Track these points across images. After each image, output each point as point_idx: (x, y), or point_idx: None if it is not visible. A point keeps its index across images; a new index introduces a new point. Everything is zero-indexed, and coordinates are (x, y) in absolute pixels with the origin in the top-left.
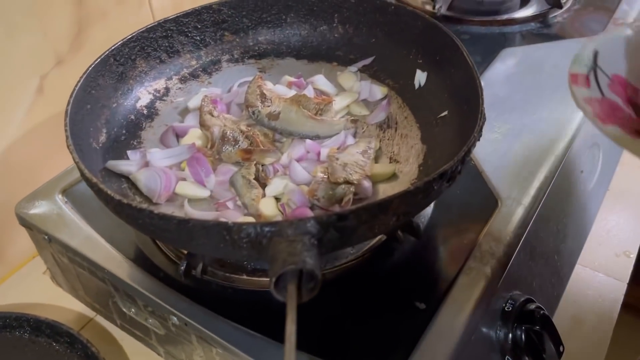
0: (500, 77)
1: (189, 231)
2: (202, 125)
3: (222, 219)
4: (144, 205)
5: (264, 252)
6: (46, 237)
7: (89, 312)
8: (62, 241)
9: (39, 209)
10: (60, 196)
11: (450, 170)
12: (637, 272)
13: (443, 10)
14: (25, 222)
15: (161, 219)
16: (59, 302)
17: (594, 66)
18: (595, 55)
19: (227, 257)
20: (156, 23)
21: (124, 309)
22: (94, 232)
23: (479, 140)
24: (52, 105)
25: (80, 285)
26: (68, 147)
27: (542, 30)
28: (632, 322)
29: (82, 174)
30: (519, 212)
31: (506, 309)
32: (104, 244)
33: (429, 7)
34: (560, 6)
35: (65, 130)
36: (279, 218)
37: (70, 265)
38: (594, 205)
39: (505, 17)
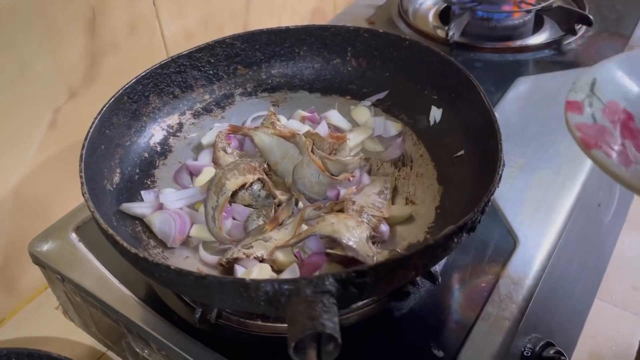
0: (514, 107)
1: (205, 287)
2: (216, 162)
3: (239, 268)
4: (161, 259)
5: (281, 309)
6: (59, 276)
7: (100, 347)
8: (75, 281)
9: (52, 247)
10: (73, 234)
11: (470, 222)
12: None
13: (456, 37)
14: (39, 261)
15: (178, 274)
16: (70, 336)
17: (590, 94)
18: (593, 83)
19: (243, 310)
20: (169, 59)
21: (137, 350)
22: (108, 272)
23: (498, 187)
24: (64, 139)
25: (92, 323)
26: (83, 194)
27: (556, 58)
28: None
29: (98, 224)
30: (537, 253)
31: (525, 354)
32: (118, 285)
33: (440, 33)
34: (574, 33)
35: (81, 177)
36: (295, 265)
37: (83, 304)
38: (612, 238)
39: (518, 43)
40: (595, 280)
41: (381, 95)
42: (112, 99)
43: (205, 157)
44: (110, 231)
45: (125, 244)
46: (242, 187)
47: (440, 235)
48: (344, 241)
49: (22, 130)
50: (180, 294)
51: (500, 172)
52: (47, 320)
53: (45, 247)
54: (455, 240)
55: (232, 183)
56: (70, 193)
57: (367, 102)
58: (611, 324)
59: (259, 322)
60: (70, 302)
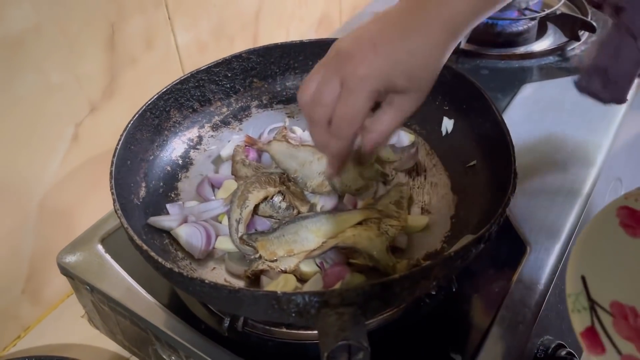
0: (521, 114)
1: (238, 300)
2: (235, 175)
3: (265, 279)
4: (189, 271)
5: (311, 320)
6: (88, 287)
7: (124, 353)
8: (104, 292)
9: (80, 259)
10: (99, 246)
11: (487, 233)
12: None
13: (462, 45)
14: (67, 272)
15: (212, 288)
16: (95, 342)
17: (591, 303)
18: (584, 282)
19: (274, 320)
20: (189, 74)
21: (164, 356)
22: (135, 282)
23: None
24: (86, 151)
25: (119, 330)
26: (116, 211)
27: (560, 64)
28: None
29: (133, 241)
30: (548, 257)
31: (538, 355)
32: (145, 295)
33: None
34: (578, 39)
35: (112, 194)
36: (319, 276)
37: (111, 313)
38: None
39: (522, 50)
40: None
41: None
42: (136, 115)
43: (226, 170)
44: (145, 247)
45: (160, 260)
46: (264, 199)
47: (460, 247)
48: (366, 252)
49: (47, 145)
50: (213, 305)
51: (514, 185)
52: (71, 327)
53: (73, 259)
54: (474, 250)
55: (255, 196)
56: (93, 204)
57: None
58: None
59: (284, 330)
60: (97, 311)
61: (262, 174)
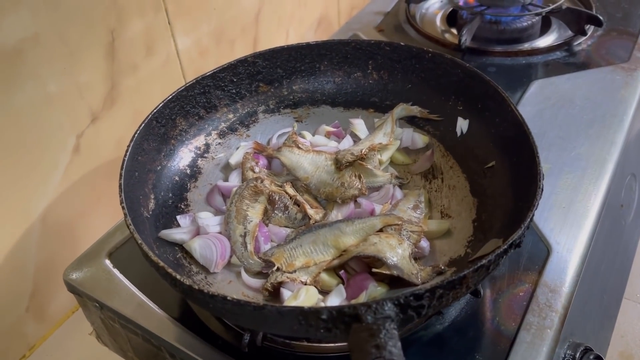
0: (533, 112)
1: (263, 316)
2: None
3: (285, 292)
4: (205, 286)
5: (341, 335)
6: (97, 304)
7: None
8: (114, 309)
9: (88, 275)
10: (107, 261)
11: (519, 238)
12: None
13: (467, 42)
14: (75, 289)
15: (235, 305)
16: (103, 359)
17: None
18: None
19: (300, 336)
20: (194, 80)
21: None
22: (146, 298)
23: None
24: (88, 163)
25: (130, 347)
26: (128, 226)
27: (568, 59)
28: None
29: (148, 257)
30: (571, 259)
31: None
32: (158, 311)
33: (449, 37)
34: (584, 33)
35: (123, 208)
36: (341, 287)
37: (121, 330)
38: (634, 237)
39: (527, 46)
40: (622, 280)
41: None
42: (143, 124)
43: (235, 178)
44: (162, 264)
45: (178, 277)
46: (265, 210)
47: (493, 253)
48: (389, 262)
49: (48, 157)
50: (234, 322)
51: (541, 186)
52: (77, 345)
53: (81, 275)
54: (505, 256)
55: (255, 212)
56: (96, 217)
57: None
58: (639, 322)
59: (305, 343)
60: (107, 328)
61: (245, 186)
